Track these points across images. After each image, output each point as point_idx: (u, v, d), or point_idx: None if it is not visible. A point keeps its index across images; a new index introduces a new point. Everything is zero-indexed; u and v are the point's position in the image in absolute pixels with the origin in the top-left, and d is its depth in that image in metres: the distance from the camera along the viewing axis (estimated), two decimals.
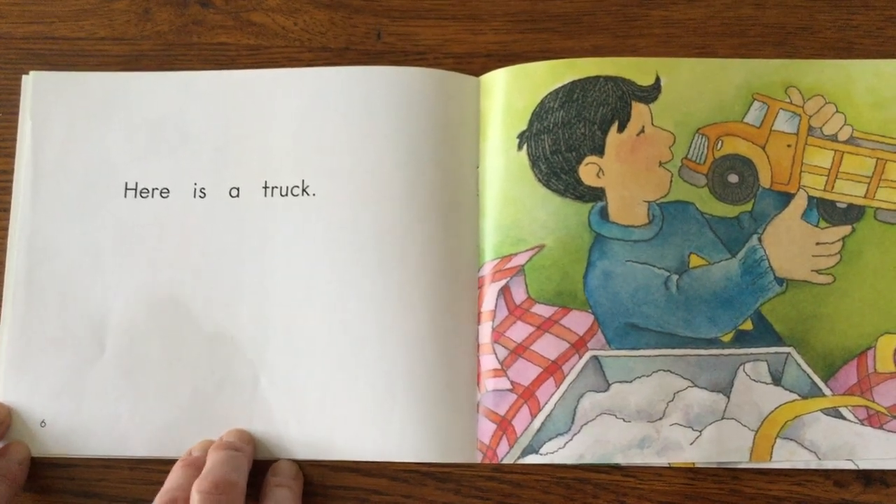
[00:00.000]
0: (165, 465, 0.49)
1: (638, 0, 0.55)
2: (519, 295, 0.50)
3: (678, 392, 0.49)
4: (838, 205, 0.51)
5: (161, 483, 0.47)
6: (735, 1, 0.55)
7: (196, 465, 0.46)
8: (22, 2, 0.55)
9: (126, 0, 0.55)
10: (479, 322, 0.50)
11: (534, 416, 0.49)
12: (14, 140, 0.53)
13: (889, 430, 0.48)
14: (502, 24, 0.55)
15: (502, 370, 0.49)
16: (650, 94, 0.52)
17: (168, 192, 0.52)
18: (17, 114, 0.53)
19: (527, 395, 0.49)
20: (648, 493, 0.49)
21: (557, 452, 0.48)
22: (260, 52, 0.54)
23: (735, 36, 0.54)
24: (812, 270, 0.50)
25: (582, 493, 0.49)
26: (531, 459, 0.48)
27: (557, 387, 0.49)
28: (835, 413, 0.49)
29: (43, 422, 0.49)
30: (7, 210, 0.52)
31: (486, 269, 0.51)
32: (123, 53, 0.54)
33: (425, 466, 0.50)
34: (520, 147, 0.51)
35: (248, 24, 0.55)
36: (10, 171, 0.52)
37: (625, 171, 0.51)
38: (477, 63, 0.54)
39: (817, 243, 0.50)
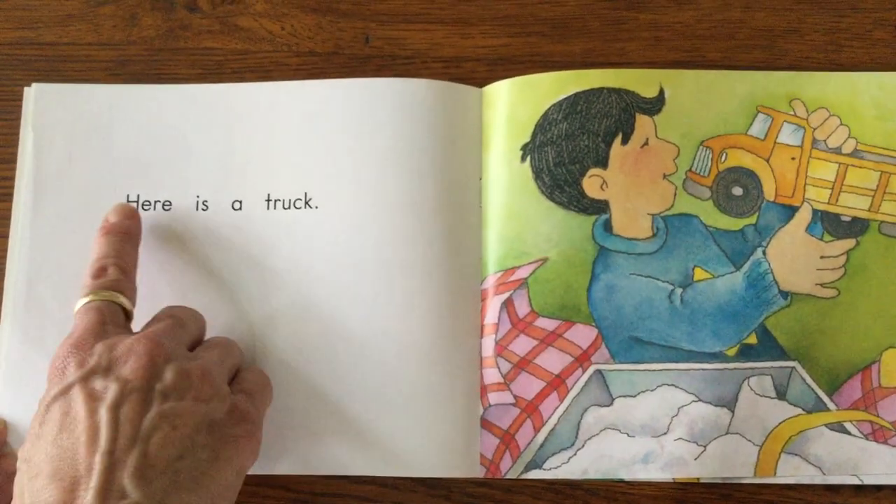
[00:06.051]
0: None
1: (626, 4, 0.55)
2: (522, 308, 0.50)
3: (682, 407, 0.48)
4: (843, 218, 0.51)
5: None
6: (723, 4, 0.55)
7: (115, 232, 0.47)
8: (7, 7, 0.55)
9: (112, 5, 0.55)
10: (481, 335, 0.50)
11: (537, 431, 0.48)
12: (14, 146, 0.52)
13: (894, 446, 0.48)
14: (491, 29, 0.54)
15: (505, 384, 0.49)
16: (654, 105, 0.52)
17: (170, 204, 0.51)
18: (8, 120, 0.53)
19: (530, 410, 0.49)
20: (639, 498, 0.49)
21: (561, 467, 0.48)
22: (247, 56, 0.54)
23: (723, 39, 0.54)
24: (816, 284, 0.50)
25: (572, 499, 0.49)
26: (534, 474, 0.48)
27: (561, 401, 0.49)
28: (839, 428, 0.48)
29: None
30: (7, 219, 0.51)
31: (489, 282, 0.50)
32: (110, 59, 0.54)
33: None
34: (523, 159, 0.51)
35: (235, 28, 0.54)
36: (11, 178, 0.52)
37: (629, 184, 0.51)
38: (465, 67, 0.54)
39: (822, 257, 0.50)
